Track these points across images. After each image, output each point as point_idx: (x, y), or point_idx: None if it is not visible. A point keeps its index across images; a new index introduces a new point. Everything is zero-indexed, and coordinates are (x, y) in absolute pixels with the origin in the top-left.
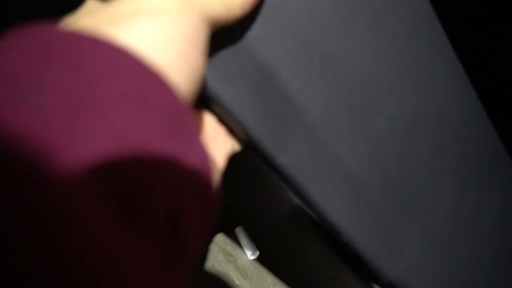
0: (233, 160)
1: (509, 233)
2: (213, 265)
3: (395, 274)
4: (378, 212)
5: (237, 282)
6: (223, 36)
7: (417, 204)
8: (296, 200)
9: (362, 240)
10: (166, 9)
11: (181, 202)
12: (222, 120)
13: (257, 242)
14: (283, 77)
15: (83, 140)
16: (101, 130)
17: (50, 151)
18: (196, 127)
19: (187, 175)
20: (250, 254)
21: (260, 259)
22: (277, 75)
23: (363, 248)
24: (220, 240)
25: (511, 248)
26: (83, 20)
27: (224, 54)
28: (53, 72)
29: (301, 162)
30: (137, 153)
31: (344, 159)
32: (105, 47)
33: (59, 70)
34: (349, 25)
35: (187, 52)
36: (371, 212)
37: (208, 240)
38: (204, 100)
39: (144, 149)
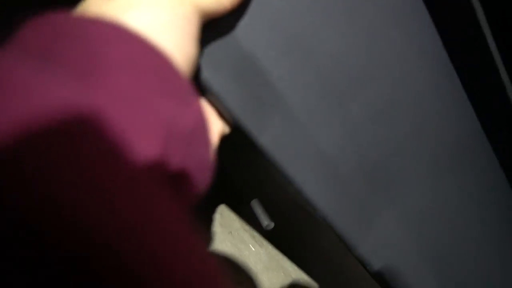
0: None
1: (481, 216)
2: (231, 232)
3: (366, 248)
4: (351, 190)
5: (253, 249)
6: (212, 27)
7: (390, 184)
8: None
9: (335, 215)
10: (161, 1)
11: (178, 158)
12: (211, 105)
13: (271, 216)
14: (265, 65)
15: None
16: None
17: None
18: (194, 92)
19: (184, 133)
20: (266, 225)
21: (274, 231)
22: (260, 63)
23: (336, 223)
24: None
25: (480, 231)
26: (92, 9)
27: (210, 40)
28: (62, 47)
29: (279, 143)
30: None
31: (320, 140)
32: (107, 25)
33: (67, 45)
34: (327, 16)
35: (181, 40)
36: (344, 190)
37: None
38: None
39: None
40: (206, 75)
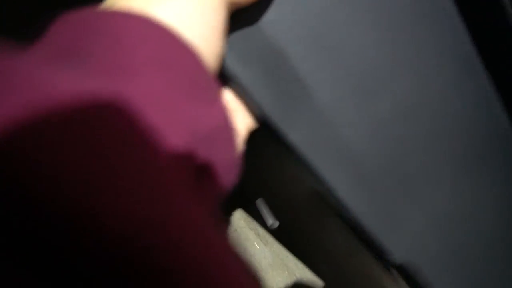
0: (258, 142)
1: (508, 215)
2: (236, 229)
3: (397, 252)
4: (379, 191)
5: (258, 247)
6: (239, 19)
7: (418, 185)
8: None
9: (364, 217)
10: None
11: (204, 157)
12: (239, 98)
13: (276, 215)
14: (294, 60)
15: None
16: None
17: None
18: (219, 91)
19: (209, 134)
20: (270, 224)
21: (279, 230)
22: (288, 58)
23: (365, 225)
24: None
25: (509, 231)
26: (120, 3)
27: (240, 36)
28: (96, 45)
29: (309, 140)
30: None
31: (348, 139)
32: (137, 20)
33: (100, 44)
34: (355, 13)
35: (209, 34)
36: (373, 190)
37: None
38: (222, 78)
39: (174, 113)
40: (236, 69)
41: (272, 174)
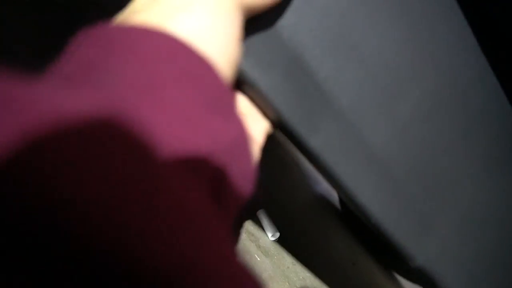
0: (298, 147)
1: None
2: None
3: (425, 258)
4: (406, 195)
5: (259, 259)
6: (256, 24)
7: (444, 188)
8: (317, 189)
9: (391, 222)
10: (205, 2)
11: (223, 172)
12: (256, 103)
13: (278, 225)
14: (312, 65)
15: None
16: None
17: (144, 133)
18: (236, 105)
19: (228, 148)
20: (271, 236)
21: (280, 241)
22: (307, 63)
23: (391, 231)
24: None
25: None
26: (137, 16)
27: (258, 42)
28: (117, 62)
29: (331, 145)
30: (201, 136)
31: (371, 143)
32: (157, 36)
33: (121, 60)
34: (373, 13)
35: (225, 44)
36: (399, 195)
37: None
38: (237, 83)
39: (196, 127)
40: (253, 74)
41: (273, 183)
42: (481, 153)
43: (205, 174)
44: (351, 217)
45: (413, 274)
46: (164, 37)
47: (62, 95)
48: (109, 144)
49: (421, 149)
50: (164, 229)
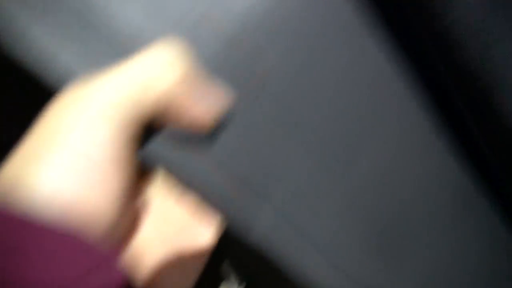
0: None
1: (492, 267)
2: None
3: None
4: (359, 273)
5: None
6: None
7: (398, 255)
8: None
9: None
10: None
11: None
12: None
13: (243, 275)
14: (252, 148)
15: None
16: None
17: None
18: (116, 258)
19: None
20: (237, 286)
21: None
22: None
23: None
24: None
25: (494, 283)
26: (9, 167)
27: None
28: None
29: (272, 236)
30: None
31: (321, 220)
32: (22, 228)
33: None
34: (315, 88)
35: (101, 199)
36: (354, 267)
37: None
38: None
39: None
40: (193, 179)
41: (235, 236)
42: (434, 216)
43: None
44: None
45: None
46: (27, 226)
47: None
48: None
49: (376, 217)
50: None
